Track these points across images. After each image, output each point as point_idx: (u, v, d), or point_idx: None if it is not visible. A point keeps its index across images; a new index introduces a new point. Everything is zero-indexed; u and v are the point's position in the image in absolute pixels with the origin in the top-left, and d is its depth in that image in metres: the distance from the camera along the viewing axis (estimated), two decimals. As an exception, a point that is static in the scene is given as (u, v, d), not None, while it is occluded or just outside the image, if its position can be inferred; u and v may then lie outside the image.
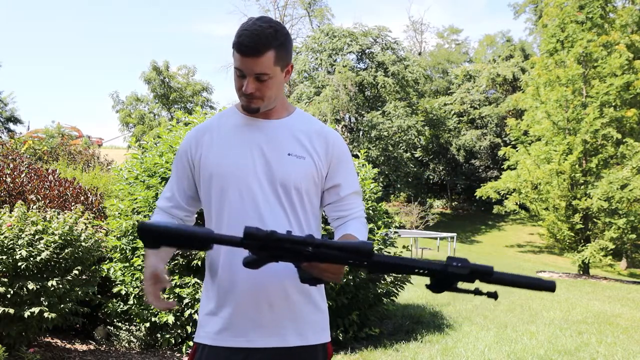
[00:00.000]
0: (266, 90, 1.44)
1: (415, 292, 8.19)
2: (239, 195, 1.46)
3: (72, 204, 5.32)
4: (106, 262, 4.74)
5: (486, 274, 1.20)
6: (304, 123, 1.57)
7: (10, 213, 3.87)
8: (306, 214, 1.50)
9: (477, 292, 1.20)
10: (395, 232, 5.79)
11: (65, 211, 4.65)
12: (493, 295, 1.17)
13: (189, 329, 4.38)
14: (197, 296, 4.19)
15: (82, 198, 5.68)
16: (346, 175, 1.56)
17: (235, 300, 1.45)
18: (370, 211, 5.19)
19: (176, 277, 4.31)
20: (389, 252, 5.40)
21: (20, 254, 3.58)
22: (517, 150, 16.93)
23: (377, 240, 4.96)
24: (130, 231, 4.58)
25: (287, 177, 1.46)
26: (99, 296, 4.53)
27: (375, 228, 5.05)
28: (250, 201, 1.45)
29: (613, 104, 14.67)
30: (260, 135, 1.51)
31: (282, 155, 1.48)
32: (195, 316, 4.21)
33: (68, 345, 4.43)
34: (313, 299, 1.50)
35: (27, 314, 3.55)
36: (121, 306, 4.59)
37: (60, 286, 3.76)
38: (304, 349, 1.47)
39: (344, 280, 4.55)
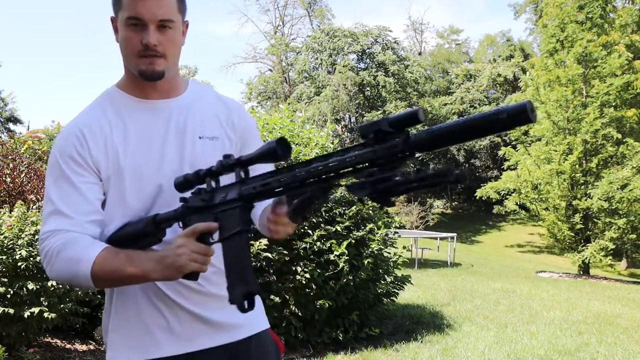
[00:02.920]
0: (170, 44, 1.19)
1: (415, 292, 8.19)
2: (140, 202, 1.21)
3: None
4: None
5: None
6: (206, 96, 1.35)
7: (10, 213, 3.87)
8: None
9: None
10: (396, 232, 5.79)
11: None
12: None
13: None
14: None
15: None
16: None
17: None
18: (370, 211, 5.19)
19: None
20: (389, 253, 5.40)
21: (20, 254, 3.58)
22: (517, 151, 16.93)
23: (377, 240, 4.96)
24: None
25: (203, 163, 1.19)
26: (99, 296, 4.53)
27: (375, 228, 5.05)
28: (163, 207, 1.20)
29: (613, 104, 14.67)
30: (159, 121, 1.25)
31: (194, 140, 1.26)
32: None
33: (68, 345, 4.43)
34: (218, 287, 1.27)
35: (27, 314, 3.55)
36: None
37: (60, 286, 3.76)
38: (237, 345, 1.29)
39: (344, 280, 4.55)
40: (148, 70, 1.19)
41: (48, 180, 1.22)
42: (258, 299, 1.39)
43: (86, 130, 1.21)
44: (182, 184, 1.14)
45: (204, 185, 1.15)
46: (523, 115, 0.77)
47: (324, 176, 0.96)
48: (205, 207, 1.14)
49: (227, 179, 1.15)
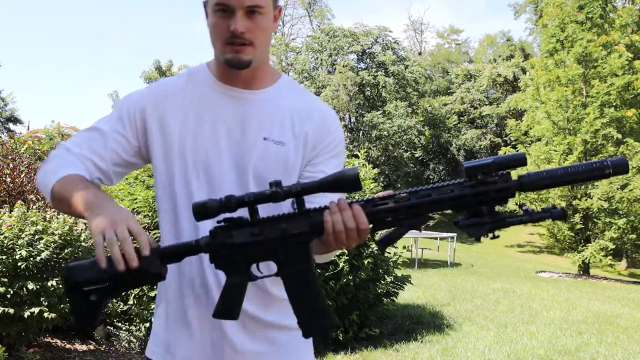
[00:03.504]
0: (258, 32, 1.13)
1: (415, 292, 8.19)
2: (199, 188, 1.18)
3: (72, 204, 5.31)
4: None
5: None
6: (293, 96, 1.26)
7: (10, 213, 3.87)
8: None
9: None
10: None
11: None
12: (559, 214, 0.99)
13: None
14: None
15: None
16: (337, 169, 1.22)
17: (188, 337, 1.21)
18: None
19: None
20: (389, 253, 5.40)
21: (20, 254, 3.58)
22: (517, 151, 16.93)
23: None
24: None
25: (260, 168, 1.18)
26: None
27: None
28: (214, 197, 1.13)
29: (613, 104, 14.68)
30: (235, 111, 1.20)
31: (257, 140, 1.19)
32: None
33: (68, 345, 4.43)
34: (278, 317, 1.23)
35: (27, 314, 3.55)
36: (121, 306, 4.59)
37: (60, 286, 3.76)
38: None
39: (344, 280, 4.55)
40: (234, 59, 1.15)
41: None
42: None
43: (159, 95, 1.22)
44: (202, 213, 1.01)
45: (233, 214, 1.04)
46: (624, 169, 0.97)
47: (428, 207, 1.01)
48: (258, 242, 1.04)
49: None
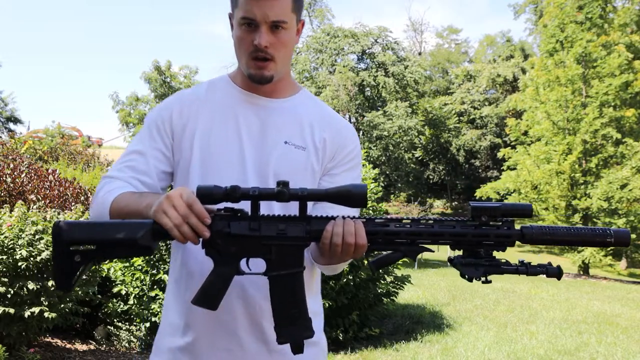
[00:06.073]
0: (281, 47, 1.18)
1: (415, 292, 8.19)
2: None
3: (72, 204, 5.32)
4: (106, 262, 4.75)
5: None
6: (311, 106, 1.30)
7: (11, 213, 3.88)
8: None
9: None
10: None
11: (66, 211, 4.65)
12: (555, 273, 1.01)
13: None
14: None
15: (82, 198, 5.68)
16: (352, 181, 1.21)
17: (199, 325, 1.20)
18: (371, 211, 5.19)
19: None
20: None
21: (21, 254, 3.58)
22: (516, 151, 16.93)
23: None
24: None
25: (281, 169, 1.21)
26: (99, 296, 4.53)
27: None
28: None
29: (612, 104, 14.69)
30: (256, 116, 1.24)
31: (278, 143, 1.23)
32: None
33: (68, 345, 4.44)
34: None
35: (27, 313, 3.55)
36: (121, 306, 4.60)
37: (61, 286, 3.76)
38: None
39: (344, 280, 4.56)
40: (257, 75, 1.19)
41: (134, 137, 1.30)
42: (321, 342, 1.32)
43: (183, 103, 1.26)
44: (205, 197, 1.02)
45: (234, 205, 1.05)
46: (626, 241, 0.99)
47: (428, 239, 1.03)
48: (253, 237, 1.04)
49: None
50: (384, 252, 1.06)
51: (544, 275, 1.00)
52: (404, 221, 1.03)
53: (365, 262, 4.70)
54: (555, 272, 0.99)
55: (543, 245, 1.03)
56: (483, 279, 1.01)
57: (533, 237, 1.01)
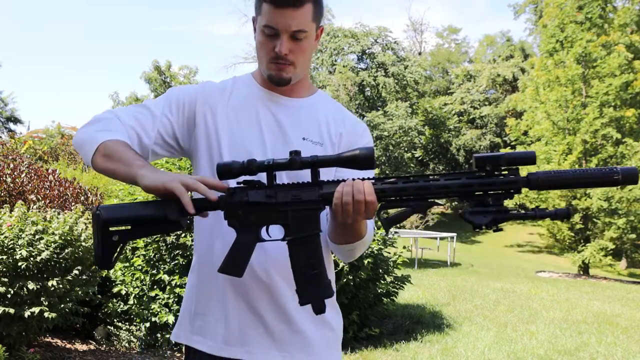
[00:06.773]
0: (300, 54, 1.24)
1: (415, 292, 8.20)
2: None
3: (73, 204, 5.32)
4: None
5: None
6: (328, 105, 1.38)
7: (11, 213, 3.87)
8: None
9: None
10: (395, 232, 5.80)
11: (66, 211, 4.65)
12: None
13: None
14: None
15: (82, 198, 5.68)
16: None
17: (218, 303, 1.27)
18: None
19: (176, 277, 4.32)
20: (389, 253, 5.40)
21: (21, 254, 3.58)
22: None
23: (377, 240, 4.96)
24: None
25: None
26: (99, 296, 4.53)
27: (375, 228, 5.06)
28: None
29: (612, 104, 14.69)
30: (276, 114, 1.30)
31: (297, 139, 1.28)
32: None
33: (68, 345, 4.44)
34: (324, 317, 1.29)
35: (27, 314, 3.55)
36: (121, 306, 4.60)
37: (61, 286, 3.76)
38: None
39: (344, 280, 4.55)
40: (276, 77, 1.26)
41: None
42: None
43: (211, 92, 1.32)
44: (225, 172, 1.10)
45: (252, 178, 1.12)
46: (634, 178, 0.96)
47: (435, 193, 1.05)
48: (270, 204, 1.11)
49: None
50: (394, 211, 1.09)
51: (551, 219, 0.99)
52: (411, 178, 1.07)
53: (366, 261, 4.70)
54: (565, 213, 0.98)
55: (550, 190, 1.01)
56: (494, 227, 1.01)
57: (539, 182, 1.00)
